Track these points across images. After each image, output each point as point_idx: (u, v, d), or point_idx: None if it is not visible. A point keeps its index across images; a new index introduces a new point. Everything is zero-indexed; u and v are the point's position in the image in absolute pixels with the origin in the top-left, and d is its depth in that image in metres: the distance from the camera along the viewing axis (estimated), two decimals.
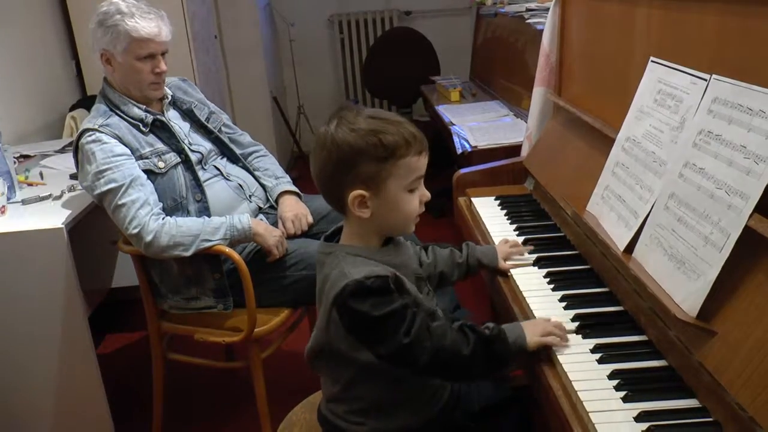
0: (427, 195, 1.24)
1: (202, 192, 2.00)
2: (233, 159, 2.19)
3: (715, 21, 1.27)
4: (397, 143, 1.16)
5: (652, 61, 1.46)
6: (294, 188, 2.20)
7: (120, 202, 1.85)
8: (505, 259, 1.56)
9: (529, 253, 1.61)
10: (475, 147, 2.66)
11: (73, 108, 3.20)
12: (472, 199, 2.02)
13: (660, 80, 1.41)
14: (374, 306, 1.15)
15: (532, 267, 1.56)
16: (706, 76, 1.24)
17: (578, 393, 1.10)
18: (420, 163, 1.20)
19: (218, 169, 2.10)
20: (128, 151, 1.91)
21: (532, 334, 1.23)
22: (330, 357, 1.25)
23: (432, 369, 1.21)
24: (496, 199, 1.99)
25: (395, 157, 1.16)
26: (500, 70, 3.71)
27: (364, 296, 1.15)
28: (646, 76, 1.47)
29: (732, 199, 1.07)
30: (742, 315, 1.01)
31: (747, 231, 1.03)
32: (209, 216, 1.96)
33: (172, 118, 2.09)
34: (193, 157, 2.03)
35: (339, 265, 1.20)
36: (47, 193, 2.14)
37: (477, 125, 2.99)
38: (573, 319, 1.31)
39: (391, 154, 1.16)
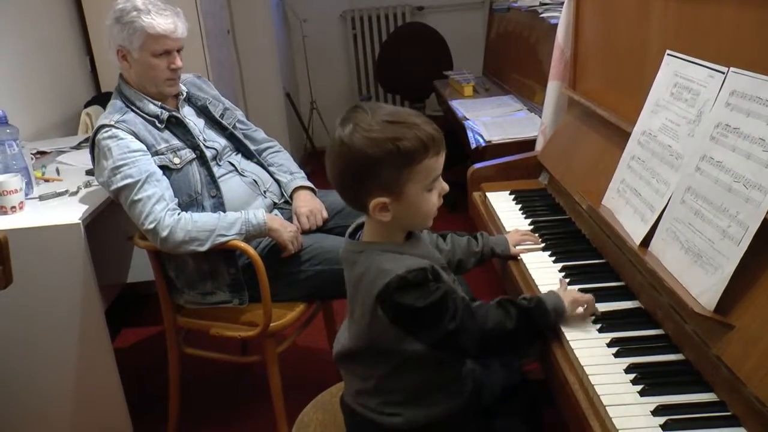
0: (446, 188, 1.23)
1: (217, 188, 2.01)
2: (248, 155, 2.20)
3: (733, 13, 1.26)
4: (414, 149, 1.14)
5: (668, 54, 1.45)
6: (308, 183, 2.20)
7: (136, 198, 1.87)
8: (516, 245, 1.62)
9: (544, 249, 1.62)
10: (489, 142, 2.66)
11: (87, 104, 3.22)
12: (487, 193, 2.01)
13: (676, 73, 1.40)
14: (418, 297, 1.16)
15: (547, 261, 1.56)
16: (724, 69, 1.23)
17: (595, 387, 1.10)
18: (438, 163, 1.19)
19: (233, 165, 2.11)
20: (144, 147, 1.92)
21: (568, 302, 1.27)
22: (368, 353, 1.25)
23: (481, 349, 1.23)
24: (510, 194, 1.99)
25: (414, 162, 1.15)
26: (513, 65, 3.70)
27: (407, 289, 1.16)
28: (662, 69, 1.46)
29: (750, 192, 1.07)
30: (760, 308, 1.00)
31: (765, 224, 1.02)
32: (224, 211, 1.97)
33: (187, 114, 2.10)
34: (208, 153, 2.04)
35: (374, 262, 1.20)
36: (64, 189, 2.16)
37: (490, 120, 2.98)
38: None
39: (410, 160, 1.14)
